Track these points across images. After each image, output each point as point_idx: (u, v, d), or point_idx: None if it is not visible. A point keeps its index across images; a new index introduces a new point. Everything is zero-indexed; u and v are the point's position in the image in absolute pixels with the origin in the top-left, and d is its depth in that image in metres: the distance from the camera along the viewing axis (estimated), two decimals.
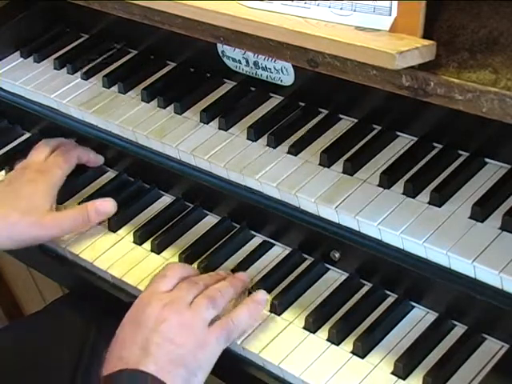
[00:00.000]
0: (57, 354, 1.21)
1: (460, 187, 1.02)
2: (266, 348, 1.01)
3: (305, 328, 1.03)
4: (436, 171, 1.04)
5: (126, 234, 1.22)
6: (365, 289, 1.06)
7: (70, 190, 1.32)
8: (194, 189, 1.22)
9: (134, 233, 1.21)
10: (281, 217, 1.10)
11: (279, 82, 1.22)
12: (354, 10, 0.95)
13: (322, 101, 1.18)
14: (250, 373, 1.03)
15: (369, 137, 1.12)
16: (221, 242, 1.17)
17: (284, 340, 1.02)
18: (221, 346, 1.01)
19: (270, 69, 1.21)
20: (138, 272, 1.15)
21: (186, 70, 1.36)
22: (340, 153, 1.11)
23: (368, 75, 0.94)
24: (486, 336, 0.96)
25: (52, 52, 1.48)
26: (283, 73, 1.20)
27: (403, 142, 1.11)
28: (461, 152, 1.06)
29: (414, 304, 1.02)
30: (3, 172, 1.39)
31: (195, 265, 1.14)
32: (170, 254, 1.17)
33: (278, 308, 1.05)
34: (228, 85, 1.30)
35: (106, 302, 1.20)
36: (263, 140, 1.17)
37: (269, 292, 1.07)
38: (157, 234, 1.20)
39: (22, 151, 1.37)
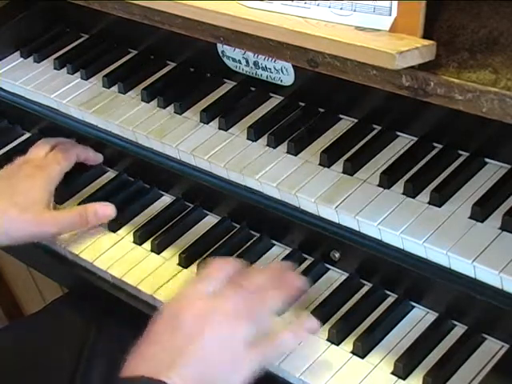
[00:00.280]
0: (57, 353, 1.20)
1: (460, 187, 1.02)
2: None
3: None
4: (436, 171, 1.04)
5: (125, 234, 1.22)
6: (365, 289, 1.06)
7: (70, 189, 1.32)
8: (194, 189, 1.22)
9: (134, 233, 1.21)
10: (281, 217, 1.10)
11: (279, 82, 1.22)
12: (354, 10, 0.95)
13: (322, 101, 1.18)
14: None
15: (369, 137, 1.12)
16: (221, 241, 1.17)
17: None
18: (255, 372, 0.92)
19: (269, 69, 1.21)
20: (138, 272, 1.15)
21: (186, 70, 1.35)
22: (340, 153, 1.11)
23: (368, 75, 0.94)
24: (486, 336, 0.96)
25: (52, 52, 1.48)
26: (283, 73, 1.20)
27: (403, 142, 1.11)
28: (461, 152, 1.06)
29: (414, 304, 1.02)
30: None
31: (195, 265, 1.14)
32: (170, 254, 1.17)
33: None
34: (228, 85, 1.30)
35: (106, 302, 1.20)
36: (263, 140, 1.17)
37: None
38: (157, 234, 1.20)
39: (22, 151, 1.37)
